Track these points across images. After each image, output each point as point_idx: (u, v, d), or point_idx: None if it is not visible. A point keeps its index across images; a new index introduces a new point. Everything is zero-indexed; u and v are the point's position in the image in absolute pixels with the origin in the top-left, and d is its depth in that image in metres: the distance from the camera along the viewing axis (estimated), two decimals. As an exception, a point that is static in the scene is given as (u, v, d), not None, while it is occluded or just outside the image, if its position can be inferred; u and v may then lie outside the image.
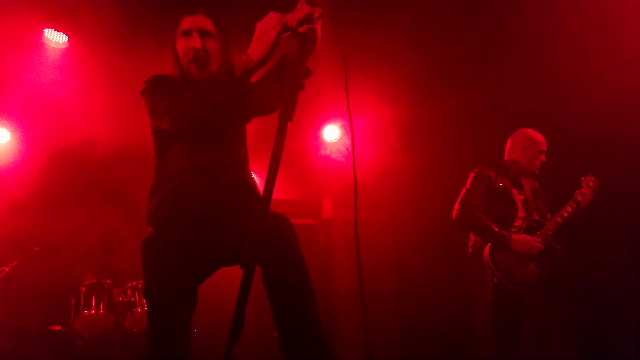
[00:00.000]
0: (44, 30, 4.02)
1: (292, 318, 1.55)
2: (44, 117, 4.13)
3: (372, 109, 4.50)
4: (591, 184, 2.95)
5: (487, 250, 2.81)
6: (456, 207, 2.98)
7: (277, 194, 1.87)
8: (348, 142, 4.88)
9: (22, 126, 4.30)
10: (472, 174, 3.04)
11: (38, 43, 4.03)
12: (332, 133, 4.95)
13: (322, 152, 4.97)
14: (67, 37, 4.09)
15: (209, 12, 1.84)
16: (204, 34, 1.79)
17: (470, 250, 2.99)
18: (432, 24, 4.00)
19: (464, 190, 3.00)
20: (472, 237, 3.01)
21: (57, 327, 3.58)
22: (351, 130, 1.63)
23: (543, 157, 3.06)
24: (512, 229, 2.89)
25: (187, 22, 1.81)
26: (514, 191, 2.99)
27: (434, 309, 4.24)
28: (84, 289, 3.64)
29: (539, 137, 3.09)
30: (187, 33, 1.80)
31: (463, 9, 3.86)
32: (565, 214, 2.87)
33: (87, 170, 4.22)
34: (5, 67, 3.93)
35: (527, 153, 3.06)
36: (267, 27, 1.47)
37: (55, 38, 4.07)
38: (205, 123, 1.64)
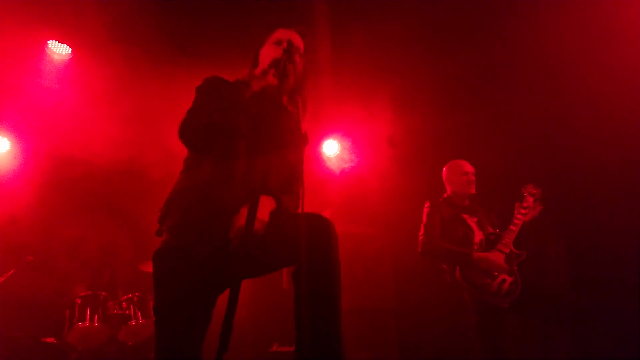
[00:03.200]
0: (48, 41, 4.07)
1: (314, 323, 1.48)
2: (44, 128, 4.14)
3: (373, 123, 4.52)
4: (532, 190, 3.15)
5: (457, 271, 2.99)
6: (419, 241, 3.19)
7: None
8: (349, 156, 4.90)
9: (22, 136, 4.32)
10: (425, 209, 3.28)
11: (42, 54, 4.07)
12: (331, 147, 4.97)
13: (322, 166, 4.98)
14: (70, 49, 4.13)
15: (302, 33, 1.91)
16: (295, 49, 1.83)
17: (448, 279, 3.14)
18: (432, 38, 4.05)
19: (422, 225, 3.23)
20: (445, 267, 3.17)
21: (51, 339, 3.53)
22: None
23: (472, 177, 3.30)
24: (474, 247, 3.09)
25: (282, 34, 1.86)
26: (465, 216, 3.23)
27: (433, 325, 4.20)
28: (78, 301, 3.60)
29: (459, 163, 3.37)
30: (280, 42, 1.85)
31: (463, 23, 3.91)
32: (517, 221, 3.07)
33: (85, 181, 4.21)
34: (9, 77, 3.96)
35: (455, 181, 3.32)
36: None
37: (58, 49, 4.12)
38: (204, 135, 1.64)
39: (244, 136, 1.74)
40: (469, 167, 3.33)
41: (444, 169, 3.44)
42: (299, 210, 1.57)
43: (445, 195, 3.37)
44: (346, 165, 4.93)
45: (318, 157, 4.98)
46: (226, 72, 1.89)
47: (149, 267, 3.77)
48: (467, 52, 3.96)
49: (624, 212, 3.47)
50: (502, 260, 2.96)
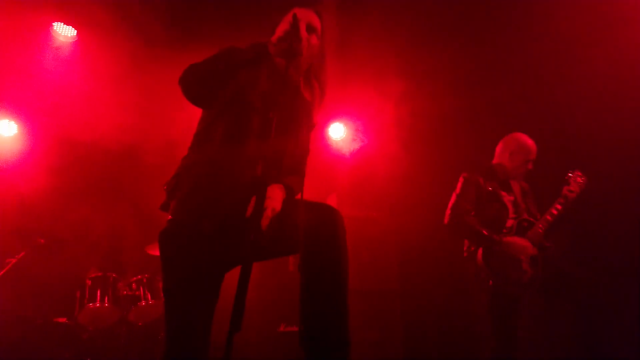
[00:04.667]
0: (53, 23, 4.04)
1: (320, 312, 1.48)
2: (51, 110, 4.15)
3: (378, 108, 4.50)
4: (579, 179, 2.96)
5: (480, 253, 2.86)
6: (447, 213, 3.02)
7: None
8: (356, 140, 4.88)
9: (30, 119, 4.33)
10: (460, 179, 3.08)
11: (47, 36, 4.05)
12: (337, 131, 4.96)
13: (327, 150, 4.98)
14: (75, 31, 4.11)
15: (319, 13, 1.85)
16: (311, 29, 1.79)
17: (465, 254, 3.03)
18: (437, 23, 4.00)
19: (454, 195, 3.05)
20: (466, 241, 3.06)
21: (63, 320, 3.61)
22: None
23: (530, 166, 3.09)
24: (504, 230, 2.93)
25: (299, 12, 1.79)
26: (503, 193, 3.03)
27: (437, 307, 4.25)
28: (89, 282, 3.66)
29: (529, 144, 3.10)
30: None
31: (467, 10, 3.86)
32: (555, 212, 2.90)
33: (94, 163, 4.23)
34: (14, 60, 3.95)
35: (515, 159, 3.10)
36: None
37: (64, 32, 4.09)
38: (205, 82, 1.63)
39: (256, 113, 1.71)
40: (533, 153, 3.08)
41: (507, 138, 3.16)
42: (301, 193, 1.58)
43: (488, 165, 3.15)
44: (352, 149, 4.92)
45: (324, 141, 4.98)
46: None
47: (154, 250, 3.82)
48: (479, 33, 3.91)
49: (622, 211, 3.40)
50: (529, 250, 2.82)
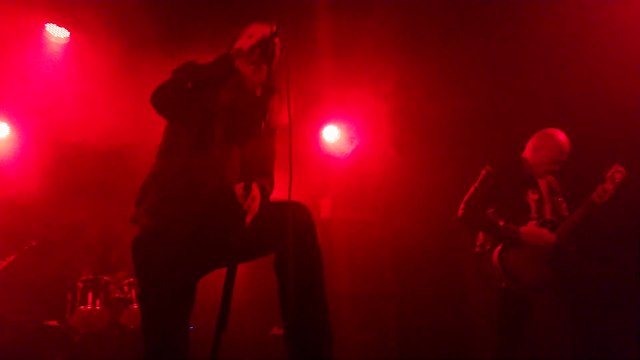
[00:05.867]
0: (46, 25, 4.03)
1: (300, 307, 1.52)
2: (44, 112, 4.13)
3: (372, 110, 4.51)
4: (617, 175, 2.63)
5: (496, 253, 2.72)
6: (462, 204, 2.86)
7: (275, 194, 1.90)
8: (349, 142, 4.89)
9: (22, 121, 4.30)
10: (483, 172, 2.89)
11: (40, 38, 4.03)
12: (331, 133, 4.97)
13: (321, 152, 4.98)
14: (68, 32, 4.09)
15: (278, 24, 1.87)
16: (274, 27, 1.79)
17: (477, 249, 2.90)
18: (431, 25, 4.01)
19: (472, 188, 2.88)
20: (480, 236, 2.92)
21: (53, 323, 3.58)
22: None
23: (555, 166, 2.85)
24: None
25: (257, 28, 1.85)
26: (528, 191, 2.83)
27: (432, 309, 4.26)
28: (80, 285, 3.64)
29: (560, 142, 2.84)
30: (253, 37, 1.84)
31: (463, 10, 3.87)
32: (583, 212, 2.63)
33: (86, 165, 4.22)
34: (6, 61, 3.93)
35: (538, 154, 2.89)
36: None
37: (56, 33, 4.08)
38: (176, 99, 1.69)
39: (220, 121, 1.77)
40: (563, 153, 2.82)
41: (539, 132, 2.91)
42: (286, 195, 1.60)
43: (514, 160, 2.94)
44: (346, 151, 4.93)
45: (318, 144, 4.98)
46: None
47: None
48: (474, 35, 3.90)
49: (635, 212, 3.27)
50: (548, 237, 2.62)
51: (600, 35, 3.39)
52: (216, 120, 1.78)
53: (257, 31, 1.81)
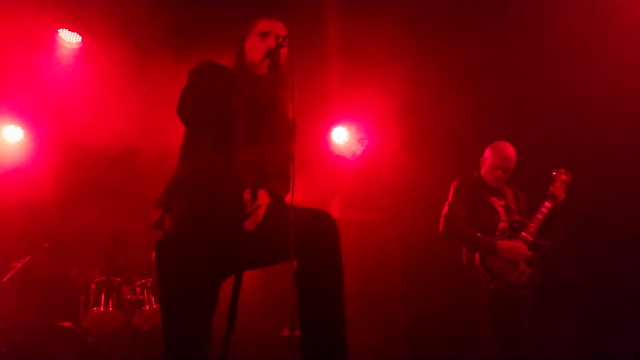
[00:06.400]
0: (58, 30, 4.09)
1: (318, 318, 1.51)
2: (56, 116, 4.19)
3: (381, 110, 4.51)
4: (563, 177, 3.02)
5: (477, 257, 2.91)
6: (441, 220, 3.09)
7: (288, 196, 1.89)
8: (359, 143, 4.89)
9: (35, 124, 4.37)
10: (452, 188, 3.15)
11: (52, 43, 4.10)
12: (340, 134, 4.97)
13: (330, 153, 4.99)
14: (80, 37, 4.15)
15: (284, 21, 1.91)
16: (280, 38, 1.83)
17: (464, 261, 3.07)
18: (450, 21, 3.99)
19: (446, 204, 3.12)
20: (464, 248, 3.10)
21: (67, 324, 3.62)
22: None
23: (500, 173, 3.10)
24: (497, 233, 2.99)
25: (265, 25, 1.87)
26: (493, 199, 3.10)
27: (441, 312, 4.23)
28: (93, 286, 3.68)
29: (508, 153, 3.11)
30: (265, 34, 1.85)
31: (473, 12, 3.85)
32: (544, 209, 2.94)
33: (98, 168, 4.26)
34: (20, 66, 4.00)
35: (487, 164, 3.16)
36: None
37: (69, 38, 4.14)
38: (200, 115, 1.70)
39: (242, 122, 1.77)
40: (511, 162, 3.10)
41: (488, 148, 3.20)
42: (289, 196, 1.63)
43: (476, 174, 3.23)
44: (355, 152, 4.93)
45: (327, 145, 4.99)
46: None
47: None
48: (483, 33, 3.89)
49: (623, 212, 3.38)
50: (525, 250, 2.87)
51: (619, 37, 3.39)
52: (238, 122, 1.76)
53: (268, 28, 1.83)
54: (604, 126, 3.52)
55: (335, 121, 4.95)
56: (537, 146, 3.72)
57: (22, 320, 3.58)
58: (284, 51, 1.83)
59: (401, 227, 4.51)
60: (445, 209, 3.09)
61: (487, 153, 3.19)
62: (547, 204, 2.94)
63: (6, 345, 3.41)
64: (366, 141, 4.90)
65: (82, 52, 4.19)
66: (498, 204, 3.08)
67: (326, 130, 4.98)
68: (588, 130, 3.55)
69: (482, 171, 3.20)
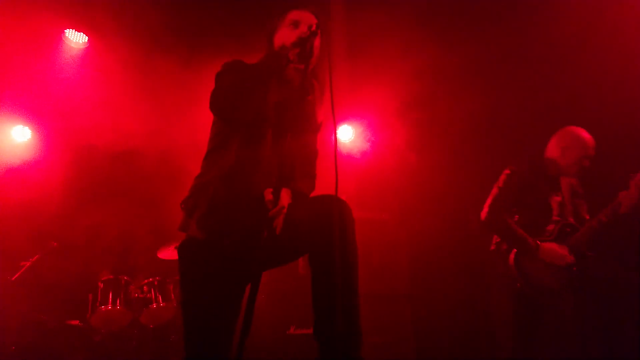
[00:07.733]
0: (65, 30, 4.11)
1: (332, 304, 1.46)
2: (64, 116, 4.21)
3: (387, 108, 4.49)
4: None
5: (512, 255, 2.69)
6: (486, 208, 2.78)
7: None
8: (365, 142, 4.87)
9: (43, 124, 4.39)
10: (505, 172, 2.82)
11: (59, 43, 4.12)
12: (345, 133, 4.95)
13: (335, 152, 4.96)
14: (87, 37, 4.17)
15: (316, 12, 1.84)
16: (312, 31, 1.76)
17: (493, 247, 2.85)
18: (453, 22, 3.96)
19: (495, 189, 2.80)
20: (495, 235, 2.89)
21: (75, 322, 3.65)
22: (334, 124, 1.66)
23: (586, 163, 2.78)
24: (545, 234, 2.73)
25: (297, 15, 1.79)
26: (551, 193, 2.79)
27: (448, 312, 4.21)
28: (101, 285, 3.70)
29: (586, 139, 2.79)
30: (297, 23, 1.78)
31: (483, 10, 3.82)
32: (604, 219, 2.63)
33: (105, 167, 4.28)
34: (27, 66, 4.02)
35: (568, 155, 2.81)
36: None
37: (75, 38, 4.16)
38: (234, 110, 1.65)
39: (269, 120, 1.72)
40: (591, 149, 2.76)
41: (561, 132, 2.85)
42: (333, 193, 1.57)
43: (539, 159, 2.89)
44: (361, 151, 4.91)
45: (332, 143, 4.97)
46: (244, 59, 1.86)
47: (165, 254, 3.85)
48: (496, 34, 3.84)
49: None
50: (569, 258, 2.62)
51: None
52: (267, 119, 1.72)
53: (299, 17, 1.76)
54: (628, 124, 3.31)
55: (341, 119, 4.93)
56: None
57: (30, 319, 3.61)
58: (317, 44, 1.76)
59: (409, 226, 4.48)
60: (493, 195, 2.77)
61: (565, 139, 2.81)
62: (608, 213, 2.60)
63: (15, 344, 3.43)
64: (372, 140, 4.88)
65: (89, 52, 4.21)
66: (554, 199, 2.76)
67: (331, 127, 4.96)
68: (611, 127, 3.28)
69: (552, 156, 2.84)
